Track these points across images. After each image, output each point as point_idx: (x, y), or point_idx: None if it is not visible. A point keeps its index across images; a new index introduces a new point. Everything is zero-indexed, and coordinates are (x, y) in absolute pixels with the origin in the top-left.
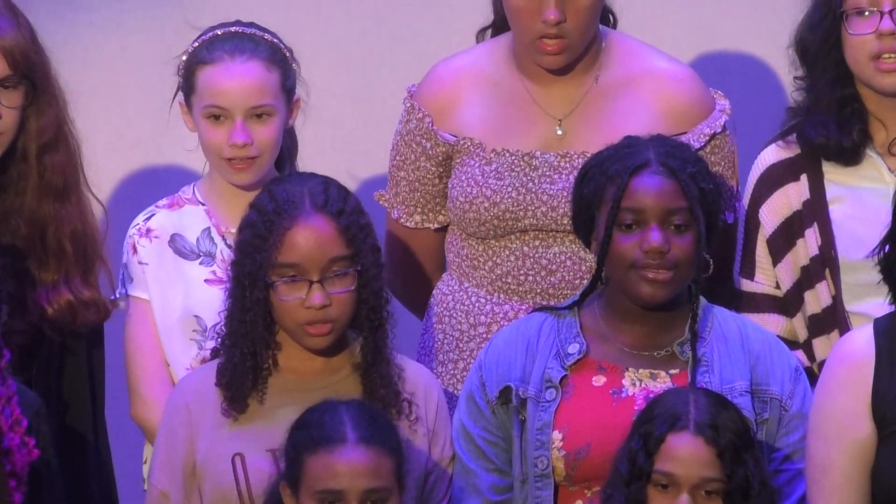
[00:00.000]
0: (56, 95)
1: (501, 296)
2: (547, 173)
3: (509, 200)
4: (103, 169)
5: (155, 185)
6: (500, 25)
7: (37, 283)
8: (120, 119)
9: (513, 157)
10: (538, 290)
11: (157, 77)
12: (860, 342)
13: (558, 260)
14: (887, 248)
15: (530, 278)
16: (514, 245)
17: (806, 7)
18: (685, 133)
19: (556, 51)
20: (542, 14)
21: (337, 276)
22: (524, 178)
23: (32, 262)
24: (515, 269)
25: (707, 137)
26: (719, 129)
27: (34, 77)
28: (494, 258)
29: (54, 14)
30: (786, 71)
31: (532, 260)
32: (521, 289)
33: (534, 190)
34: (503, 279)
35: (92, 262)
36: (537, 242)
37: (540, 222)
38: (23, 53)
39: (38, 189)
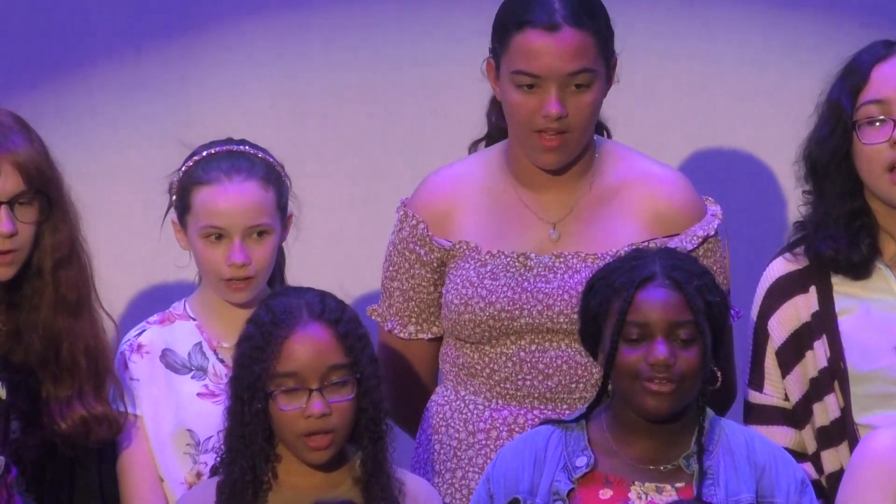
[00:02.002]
0: (69, 211)
1: (500, 401)
2: (542, 273)
3: (505, 300)
4: (110, 285)
5: (158, 301)
6: (493, 137)
7: (50, 399)
8: (125, 235)
9: (507, 258)
10: (536, 395)
11: (160, 193)
12: (887, 440)
13: (555, 364)
14: None
15: (528, 383)
16: (511, 350)
17: (811, 121)
18: (678, 234)
19: (556, 146)
20: (543, 109)
21: (336, 385)
22: (519, 278)
23: (46, 377)
24: (513, 374)
25: (700, 239)
26: (712, 233)
27: (49, 192)
28: (491, 365)
29: (54, 131)
30: (786, 181)
31: (529, 365)
32: (518, 393)
33: (529, 289)
34: (501, 385)
35: (103, 378)
36: (533, 347)
37: (536, 322)
38: (38, 169)
39: (53, 305)
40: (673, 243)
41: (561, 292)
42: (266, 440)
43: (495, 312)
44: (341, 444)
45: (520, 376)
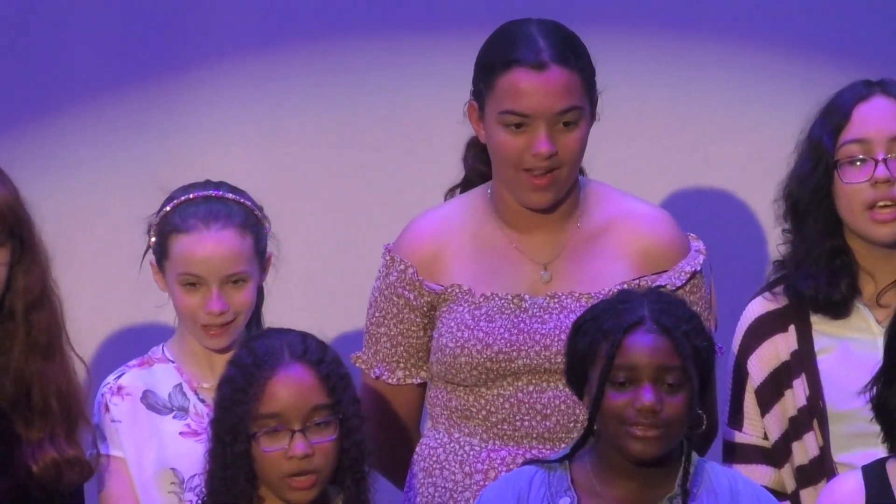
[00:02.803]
0: (41, 253)
1: (497, 442)
2: (537, 314)
3: (502, 342)
4: (84, 328)
5: (135, 343)
6: (470, 181)
7: (22, 442)
8: (100, 278)
9: (502, 300)
10: (534, 435)
11: (136, 236)
12: (851, 485)
13: (553, 404)
14: (878, 387)
15: (526, 423)
16: (508, 392)
17: (791, 160)
18: (666, 271)
19: (546, 185)
20: (532, 148)
21: (319, 426)
22: (515, 320)
23: (18, 420)
24: (511, 415)
25: (688, 275)
26: (698, 268)
27: (22, 234)
28: (488, 406)
29: (32, 173)
30: (766, 220)
31: (527, 405)
32: (516, 434)
33: (526, 330)
34: (498, 426)
35: (75, 421)
36: (531, 388)
37: (533, 362)
38: (11, 210)
39: (25, 347)
40: (662, 280)
41: (557, 332)
42: (248, 482)
43: (493, 354)
44: (324, 485)
45: (517, 417)
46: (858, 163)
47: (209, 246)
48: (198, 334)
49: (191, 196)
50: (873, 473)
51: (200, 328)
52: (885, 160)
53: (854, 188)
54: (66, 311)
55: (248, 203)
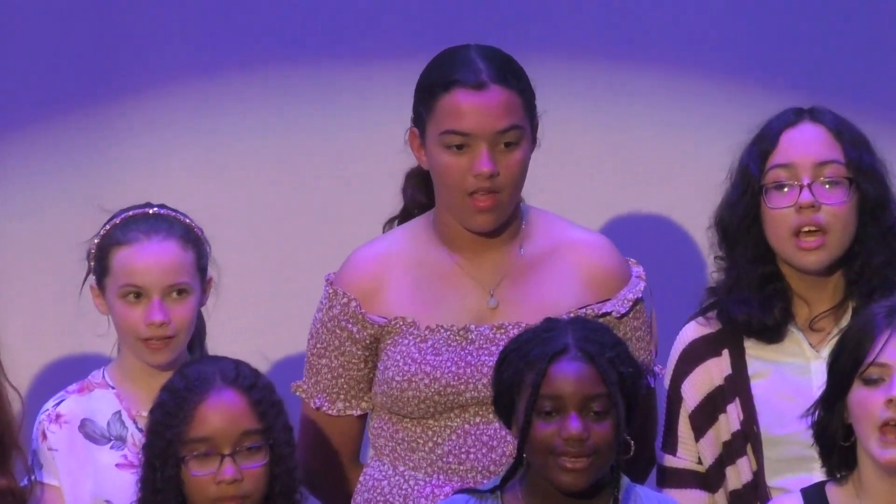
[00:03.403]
0: None
1: (442, 476)
2: (484, 346)
3: (450, 375)
4: (20, 356)
5: (72, 370)
6: (410, 212)
7: None
8: (37, 306)
9: (448, 332)
10: (479, 468)
11: (75, 262)
12: None
13: (499, 435)
14: (818, 412)
15: (471, 456)
16: (455, 423)
17: (724, 187)
18: (609, 299)
19: (490, 206)
20: (474, 168)
21: (249, 451)
22: (462, 352)
23: None
24: (457, 447)
25: (630, 303)
26: (640, 295)
27: None
28: (434, 438)
29: None
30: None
31: (473, 437)
32: (461, 468)
33: (473, 363)
34: (444, 459)
35: (8, 451)
36: (478, 419)
37: (481, 394)
38: None
39: None
40: (606, 308)
41: None
42: None
43: (440, 388)
44: None
45: (463, 449)
46: (786, 188)
47: (151, 255)
48: (139, 350)
49: (131, 214)
50: (813, 497)
51: (142, 342)
52: (809, 185)
53: (780, 213)
54: (1, 339)
55: (189, 221)
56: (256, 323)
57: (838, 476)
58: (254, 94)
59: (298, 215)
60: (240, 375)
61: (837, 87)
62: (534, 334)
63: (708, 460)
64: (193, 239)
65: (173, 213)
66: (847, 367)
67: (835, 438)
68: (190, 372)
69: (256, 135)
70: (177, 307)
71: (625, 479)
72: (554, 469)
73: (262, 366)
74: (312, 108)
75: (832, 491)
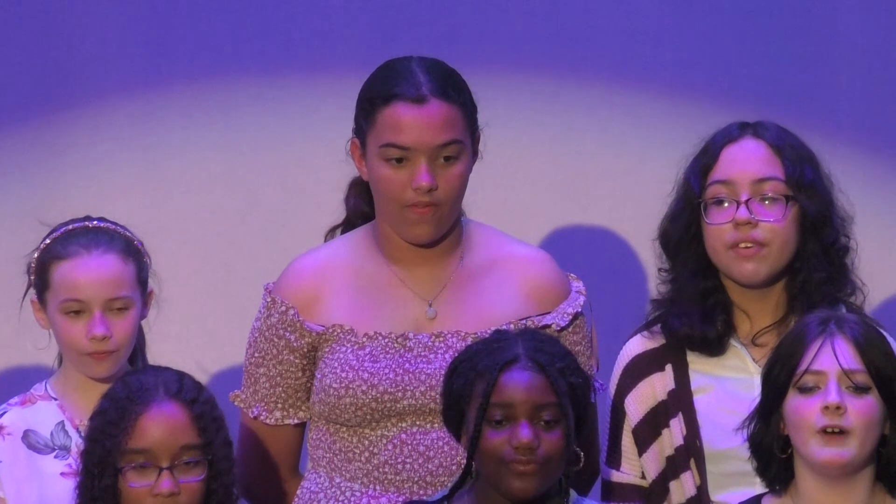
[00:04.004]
0: None
1: (378, 487)
2: (422, 353)
3: (387, 382)
4: None
5: (14, 384)
6: (352, 222)
7: None
8: None
9: (386, 339)
10: (416, 479)
11: (15, 276)
12: None
13: (436, 446)
14: (754, 424)
15: (408, 466)
16: (392, 433)
17: (669, 199)
18: (549, 313)
19: (428, 219)
20: (413, 182)
21: (187, 465)
22: (400, 359)
23: None
24: (393, 457)
25: (570, 316)
26: (580, 309)
27: None
28: (371, 448)
29: None
30: (646, 258)
31: (409, 447)
32: (398, 478)
33: (411, 370)
34: (380, 469)
35: None
36: (415, 429)
37: (419, 402)
38: None
39: None
40: (546, 321)
41: (443, 372)
42: None
43: (378, 395)
44: None
45: (400, 459)
46: (725, 204)
47: (91, 269)
48: (81, 363)
49: (70, 227)
50: None
51: (84, 356)
52: (747, 202)
53: (718, 229)
54: None
55: (129, 234)
56: (197, 335)
57: (776, 488)
58: (196, 107)
59: (240, 226)
60: (183, 388)
61: (785, 101)
62: (484, 345)
63: (651, 475)
64: (134, 252)
65: (113, 227)
66: (782, 377)
67: (771, 450)
68: (132, 381)
69: (198, 147)
70: (118, 321)
71: (573, 492)
72: (504, 477)
73: (201, 378)
74: (254, 120)
75: (769, 502)
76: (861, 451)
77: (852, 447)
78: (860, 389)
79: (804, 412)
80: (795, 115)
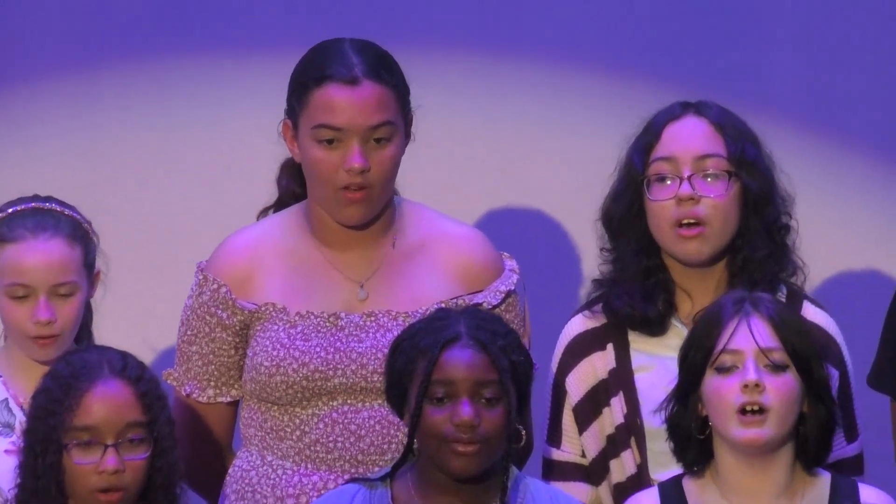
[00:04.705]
0: None
1: (309, 465)
2: (354, 332)
3: (318, 360)
4: None
5: None
6: (284, 203)
7: None
8: None
9: (318, 319)
10: (347, 458)
11: None
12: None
13: (367, 424)
14: (672, 405)
15: (339, 444)
16: (323, 411)
17: (611, 179)
18: (481, 291)
19: (360, 201)
20: (345, 163)
21: (132, 443)
22: (332, 338)
23: None
24: (324, 436)
25: (503, 295)
26: (512, 287)
27: None
28: (302, 427)
29: None
30: (579, 239)
31: (341, 426)
32: (329, 456)
33: (342, 349)
34: (311, 448)
35: None
36: (346, 407)
37: (350, 381)
38: None
39: None
40: (478, 299)
41: (374, 351)
42: (59, 493)
43: (309, 373)
44: (132, 503)
45: (331, 438)
46: (667, 181)
47: (38, 254)
48: (26, 346)
49: (19, 208)
50: (670, 491)
51: (29, 340)
52: (690, 178)
53: (661, 206)
54: None
55: (77, 216)
56: (143, 313)
57: (695, 469)
58: (135, 87)
59: (182, 206)
60: (127, 366)
61: (724, 81)
62: (426, 323)
63: (592, 453)
64: (81, 235)
65: (60, 209)
66: (698, 358)
67: (690, 432)
68: (76, 360)
69: (136, 127)
70: (64, 305)
71: (514, 469)
72: (445, 455)
73: (148, 356)
74: (193, 100)
75: (689, 484)
76: (780, 429)
77: (771, 426)
78: (778, 368)
79: (723, 392)
80: (735, 96)
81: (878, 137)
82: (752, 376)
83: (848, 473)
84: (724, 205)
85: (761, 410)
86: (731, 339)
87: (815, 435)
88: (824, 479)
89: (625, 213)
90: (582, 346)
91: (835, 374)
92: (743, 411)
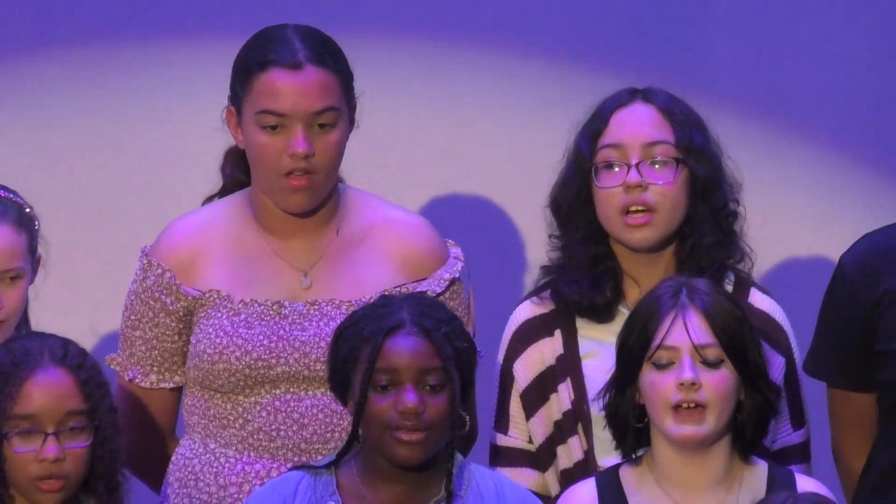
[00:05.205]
0: None
1: (252, 454)
2: (297, 321)
3: (261, 348)
4: None
5: None
6: (229, 191)
7: None
8: None
9: (261, 307)
10: (290, 446)
11: None
12: (585, 494)
13: (311, 413)
14: (610, 394)
15: (282, 433)
16: (266, 400)
17: (560, 166)
18: (425, 279)
19: (305, 187)
20: (289, 148)
21: (73, 431)
22: (275, 326)
23: None
24: (267, 424)
25: (447, 282)
26: (457, 275)
27: None
28: (245, 415)
29: None
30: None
31: (284, 414)
32: (272, 445)
33: (285, 337)
34: (254, 436)
35: None
36: (289, 396)
37: (293, 369)
38: None
39: None
40: (422, 287)
41: (317, 339)
42: (0, 482)
43: (251, 361)
44: (73, 491)
45: (274, 426)
46: (615, 168)
47: None
48: None
49: None
50: (607, 480)
51: None
52: (637, 165)
53: (609, 193)
54: None
55: (20, 201)
56: (84, 299)
57: (634, 457)
58: (77, 71)
59: (122, 192)
60: (68, 354)
61: (668, 68)
62: (369, 310)
63: (539, 440)
64: (26, 221)
65: (5, 194)
66: (636, 350)
67: (627, 420)
68: (16, 347)
69: (80, 113)
70: (10, 291)
71: (458, 456)
72: (390, 443)
73: (91, 341)
74: (137, 85)
75: (626, 472)
76: (717, 424)
77: (708, 422)
78: (713, 363)
79: (659, 388)
80: (680, 83)
81: (824, 123)
82: (687, 375)
83: (794, 461)
84: (672, 192)
85: (698, 406)
86: (668, 335)
87: (752, 422)
88: (761, 469)
89: (573, 199)
90: (530, 333)
91: (781, 361)
92: (679, 408)
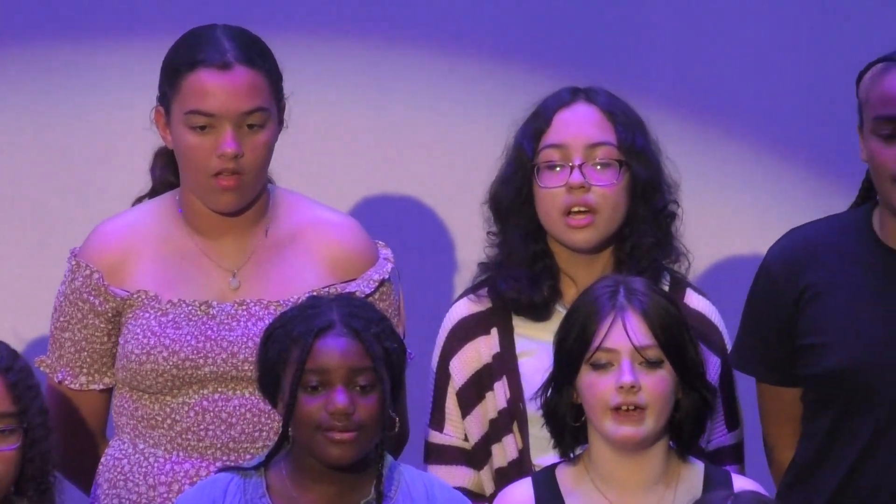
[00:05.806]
0: None
1: (181, 453)
2: (225, 321)
3: (189, 349)
4: None
5: None
6: (158, 192)
7: None
8: None
9: (189, 307)
10: (218, 445)
11: None
12: (521, 494)
13: (238, 413)
14: (548, 393)
15: (210, 433)
16: (193, 400)
17: (499, 163)
18: (354, 280)
19: (233, 187)
20: (218, 149)
21: (2, 434)
22: (203, 327)
23: None
24: (195, 424)
25: (376, 283)
26: (386, 276)
27: None
28: (173, 415)
29: None
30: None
31: (212, 414)
32: (200, 444)
33: (213, 337)
34: (183, 436)
35: None
36: (217, 396)
37: (220, 370)
38: None
39: None
40: (351, 288)
41: (245, 339)
42: None
43: (179, 361)
44: (4, 493)
45: (202, 426)
46: (557, 168)
47: None
48: None
49: None
50: (543, 480)
51: None
52: (580, 166)
53: (550, 193)
54: None
55: None
56: (9, 301)
57: (571, 456)
58: (4, 71)
59: (52, 193)
60: None
61: (604, 67)
62: (299, 311)
63: (474, 438)
64: None
65: None
66: (575, 350)
67: (565, 419)
68: None
69: (8, 111)
70: None
71: (389, 457)
72: (320, 444)
73: (16, 345)
74: (66, 85)
75: (563, 472)
76: (656, 425)
77: (648, 424)
78: (652, 364)
79: (598, 390)
80: (616, 82)
81: (760, 123)
82: (627, 378)
83: (728, 462)
84: (613, 194)
85: (637, 408)
86: (607, 336)
87: (690, 421)
88: (698, 468)
89: (514, 197)
90: (466, 331)
91: (716, 361)
92: (618, 409)
